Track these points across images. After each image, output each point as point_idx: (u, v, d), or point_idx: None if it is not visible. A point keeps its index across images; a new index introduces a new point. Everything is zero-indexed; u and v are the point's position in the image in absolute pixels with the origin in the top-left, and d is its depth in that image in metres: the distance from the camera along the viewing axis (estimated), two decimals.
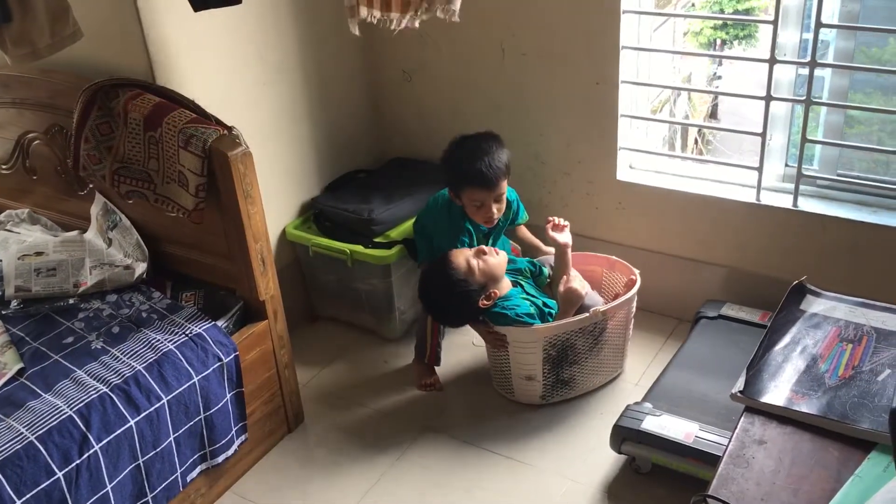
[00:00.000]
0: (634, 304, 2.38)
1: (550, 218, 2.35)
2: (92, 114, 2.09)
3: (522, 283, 2.35)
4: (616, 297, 2.34)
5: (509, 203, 2.39)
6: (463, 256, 2.21)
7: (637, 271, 2.39)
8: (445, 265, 2.20)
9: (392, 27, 2.13)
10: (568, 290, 2.26)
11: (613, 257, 2.51)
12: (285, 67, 2.53)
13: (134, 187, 2.10)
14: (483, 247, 2.26)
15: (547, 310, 2.29)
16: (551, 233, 2.33)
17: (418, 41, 2.68)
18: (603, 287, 2.54)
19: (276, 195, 2.55)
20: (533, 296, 2.31)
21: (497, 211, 2.30)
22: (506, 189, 2.32)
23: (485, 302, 2.21)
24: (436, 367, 2.49)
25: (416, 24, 2.12)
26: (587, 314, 2.23)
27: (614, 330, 2.34)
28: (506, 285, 2.27)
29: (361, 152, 2.92)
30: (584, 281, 2.34)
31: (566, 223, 2.35)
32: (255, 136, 2.24)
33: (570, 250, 2.34)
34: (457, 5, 2.06)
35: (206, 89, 2.23)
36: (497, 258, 2.24)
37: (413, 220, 2.52)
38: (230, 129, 2.02)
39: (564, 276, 2.32)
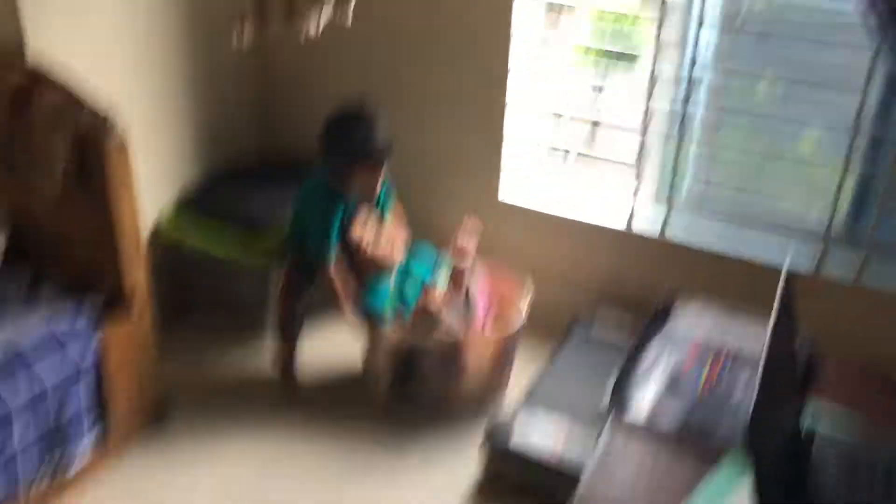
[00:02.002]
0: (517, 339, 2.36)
1: (458, 238, 2.33)
2: None
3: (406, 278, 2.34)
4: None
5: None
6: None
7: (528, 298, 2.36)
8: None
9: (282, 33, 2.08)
10: (422, 312, 2.25)
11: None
12: (171, 47, 2.45)
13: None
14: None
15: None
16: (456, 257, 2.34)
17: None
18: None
19: (151, 183, 2.44)
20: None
21: (378, 188, 2.28)
22: None
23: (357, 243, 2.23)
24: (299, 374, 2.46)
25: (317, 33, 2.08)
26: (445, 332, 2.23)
27: (475, 359, 2.27)
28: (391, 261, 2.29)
29: (244, 147, 2.85)
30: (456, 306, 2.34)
31: (468, 244, 2.32)
32: (133, 119, 2.14)
33: (465, 270, 2.34)
34: (349, 13, 2.05)
35: (83, 60, 2.12)
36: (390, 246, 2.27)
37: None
38: (105, 113, 1.93)
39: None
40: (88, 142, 1.86)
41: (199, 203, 2.58)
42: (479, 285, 2.40)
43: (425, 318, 2.24)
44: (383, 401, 2.36)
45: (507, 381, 2.42)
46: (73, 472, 1.96)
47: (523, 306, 2.32)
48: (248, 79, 2.79)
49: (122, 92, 2.28)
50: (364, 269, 2.29)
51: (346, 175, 2.23)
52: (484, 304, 2.40)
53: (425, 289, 2.30)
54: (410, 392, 2.32)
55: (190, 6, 2.47)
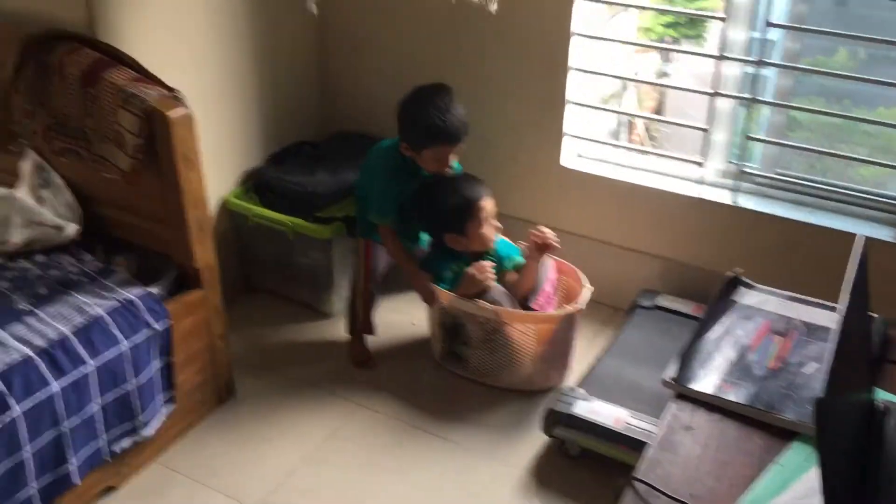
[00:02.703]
0: (573, 325, 2.33)
1: (536, 232, 2.30)
2: (27, 66, 2.01)
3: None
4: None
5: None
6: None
7: (586, 293, 2.31)
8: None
9: None
10: (467, 275, 2.26)
11: (579, 273, 2.42)
12: (234, 32, 2.47)
13: (68, 145, 2.04)
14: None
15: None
16: (529, 248, 2.32)
17: (369, 12, 2.65)
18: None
19: (217, 162, 2.50)
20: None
21: (452, 162, 2.32)
22: None
23: (455, 243, 2.30)
24: (370, 338, 2.49)
25: None
26: (481, 304, 2.22)
27: (521, 340, 2.27)
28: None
29: (308, 124, 2.88)
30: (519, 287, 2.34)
31: (545, 237, 2.29)
32: (199, 101, 2.17)
33: (537, 265, 2.34)
34: None
35: (148, 48, 2.16)
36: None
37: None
38: (173, 91, 1.97)
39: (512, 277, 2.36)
40: (156, 116, 1.90)
41: (264, 177, 2.62)
42: (545, 273, 2.39)
43: (471, 282, 2.25)
44: (439, 355, 2.42)
45: (566, 364, 2.40)
46: (146, 437, 2.03)
47: (583, 297, 2.29)
48: (309, 58, 2.81)
49: (188, 72, 2.32)
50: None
51: (421, 149, 2.26)
52: (547, 294, 2.38)
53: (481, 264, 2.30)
54: (460, 353, 2.36)
55: None
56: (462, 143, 2.27)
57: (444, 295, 2.28)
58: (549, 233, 2.30)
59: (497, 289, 2.27)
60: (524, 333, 2.26)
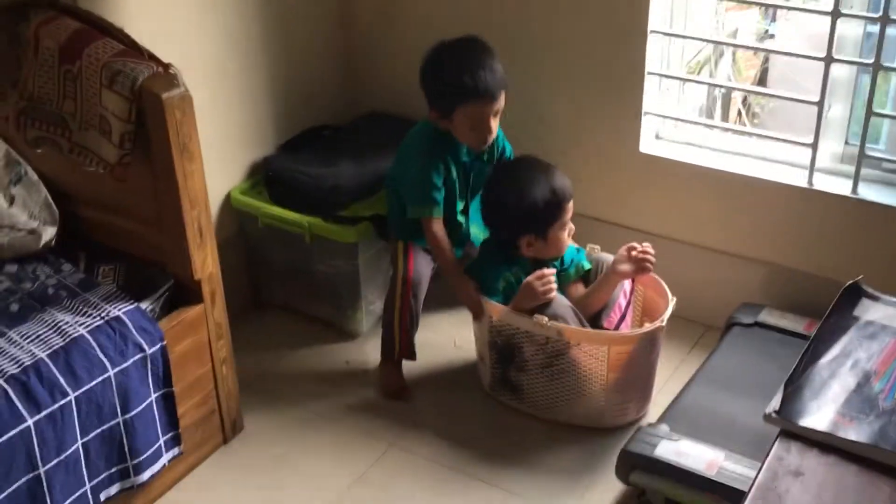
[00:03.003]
0: (655, 346, 2.32)
1: (640, 249, 2.30)
2: None
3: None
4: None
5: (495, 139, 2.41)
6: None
7: (669, 308, 2.30)
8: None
9: None
10: (525, 283, 2.27)
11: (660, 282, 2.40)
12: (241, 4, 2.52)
13: (44, 132, 2.09)
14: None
15: None
16: (621, 261, 2.32)
17: None
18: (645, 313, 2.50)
19: (219, 151, 2.54)
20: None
21: (493, 129, 2.32)
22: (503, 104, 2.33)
23: (528, 247, 2.32)
24: (407, 364, 2.51)
25: None
26: (541, 320, 2.22)
27: (590, 365, 2.27)
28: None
29: (328, 104, 2.91)
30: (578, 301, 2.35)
31: (648, 258, 2.29)
32: (198, 78, 2.23)
33: (625, 284, 2.36)
34: None
35: (138, 15, 2.21)
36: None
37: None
38: (167, 66, 2.00)
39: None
40: (147, 98, 1.93)
41: (276, 169, 2.66)
42: (622, 289, 2.40)
43: (523, 289, 2.26)
44: (488, 382, 2.44)
45: (647, 395, 2.40)
46: (142, 479, 2.06)
47: (665, 313, 2.28)
48: (330, 24, 2.85)
49: (185, 44, 2.37)
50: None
51: (451, 113, 2.27)
52: (620, 308, 2.39)
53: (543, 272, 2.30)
54: (514, 381, 2.37)
55: None
56: (500, 101, 2.28)
57: (496, 309, 2.29)
58: (650, 251, 2.30)
59: (561, 302, 2.28)
60: (593, 357, 2.26)
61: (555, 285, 2.27)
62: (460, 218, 2.49)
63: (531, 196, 2.27)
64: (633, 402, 2.37)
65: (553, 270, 2.30)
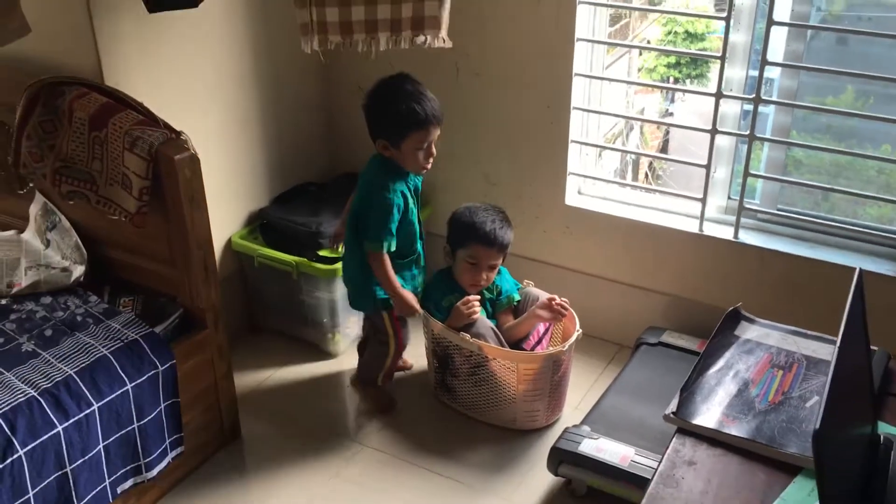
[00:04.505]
0: (560, 366, 2.27)
1: (554, 298, 2.31)
2: (35, 111, 2.05)
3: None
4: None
5: None
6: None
7: (576, 333, 2.30)
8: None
9: (360, 49, 2.08)
10: (455, 308, 2.27)
11: (574, 315, 2.37)
12: (238, 75, 2.52)
13: (75, 188, 2.06)
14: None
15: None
16: (541, 307, 2.31)
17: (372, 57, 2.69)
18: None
19: (223, 203, 2.53)
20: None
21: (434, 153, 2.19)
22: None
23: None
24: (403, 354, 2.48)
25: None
26: (464, 337, 2.23)
27: (504, 377, 2.26)
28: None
29: (313, 165, 2.91)
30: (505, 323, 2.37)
31: (562, 311, 2.30)
32: (205, 143, 2.21)
33: (537, 322, 2.35)
34: (444, 31, 2.07)
35: (155, 92, 2.21)
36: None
37: None
38: (178, 133, 2.00)
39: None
40: (162, 159, 1.93)
41: (269, 217, 2.65)
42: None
43: (458, 314, 2.26)
44: (432, 383, 2.45)
45: (557, 405, 2.37)
46: (150, 479, 2.02)
47: (570, 341, 2.27)
48: (314, 100, 2.85)
49: (194, 115, 2.36)
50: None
51: (401, 141, 2.12)
52: (538, 334, 2.39)
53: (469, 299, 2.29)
54: (448, 382, 2.38)
55: (258, 38, 2.53)
56: (440, 127, 2.15)
57: (436, 325, 2.29)
58: (567, 305, 2.31)
59: (483, 323, 2.28)
60: (507, 370, 2.25)
61: (478, 309, 2.27)
62: (419, 247, 2.34)
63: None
64: (540, 412, 2.33)
65: (478, 298, 2.30)
